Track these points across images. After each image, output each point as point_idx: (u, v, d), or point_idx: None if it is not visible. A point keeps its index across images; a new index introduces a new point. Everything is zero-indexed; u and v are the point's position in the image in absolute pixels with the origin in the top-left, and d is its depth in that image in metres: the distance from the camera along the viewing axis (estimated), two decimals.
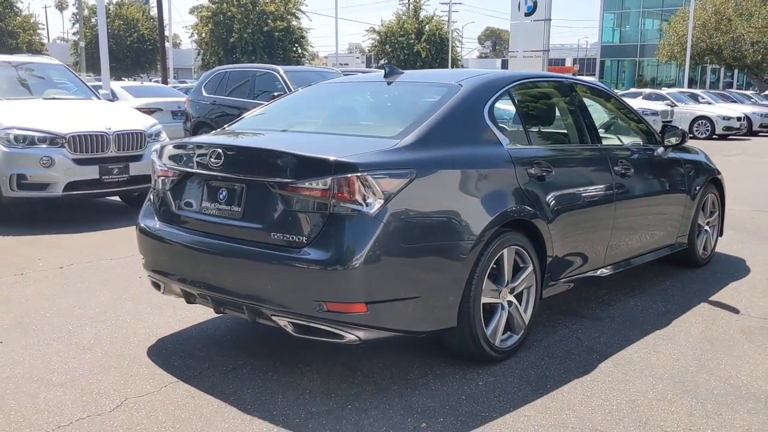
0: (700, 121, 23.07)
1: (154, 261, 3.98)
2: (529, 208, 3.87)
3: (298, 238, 3.29)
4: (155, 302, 4.81)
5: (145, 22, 52.29)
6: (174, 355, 3.96)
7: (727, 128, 22.63)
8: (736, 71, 51.23)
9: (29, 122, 7.60)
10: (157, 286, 4.03)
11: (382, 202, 3.23)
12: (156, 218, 3.99)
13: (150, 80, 40.63)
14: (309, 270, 3.23)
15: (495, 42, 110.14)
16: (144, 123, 8.39)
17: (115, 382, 3.59)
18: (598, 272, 4.63)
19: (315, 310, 3.26)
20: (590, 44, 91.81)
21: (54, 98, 8.80)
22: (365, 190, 3.22)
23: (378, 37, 51.52)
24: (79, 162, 7.55)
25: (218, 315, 4.21)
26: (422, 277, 3.40)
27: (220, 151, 3.57)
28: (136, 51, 51.66)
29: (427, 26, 50.89)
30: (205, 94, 13.18)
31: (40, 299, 4.97)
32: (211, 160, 3.59)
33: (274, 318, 3.41)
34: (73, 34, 50.82)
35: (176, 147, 3.97)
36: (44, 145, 7.46)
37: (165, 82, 29.62)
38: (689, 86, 37.60)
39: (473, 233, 3.52)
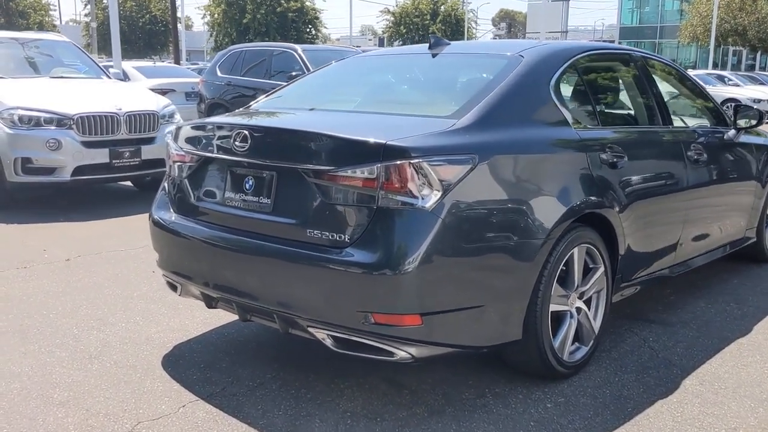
0: (728, 104, 22.24)
1: (169, 259, 3.48)
2: (602, 199, 3.34)
3: (339, 237, 2.78)
4: (170, 301, 4.33)
5: (157, 3, 51.66)
6: (192, 366, 3.47)
7: None
8: (759, 53, 50.07)
9: (35, 102, 7.12)
10: (173, 287, 3.54)
11: (439, 193, 2.71)
12: (172, 210, 3.49)
13: (163, 62, 40.15)
14: (352, 274, 2.72)
15: (510, 24, 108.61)
16: (157, 103, 7.89)
17: (125, 401, 3.10)
18: (668, 271, 4.09)
19: (360, 322, 2.75)
20: (606, 26, 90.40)
21: (62, 77, 8.31)
22: (420, 179, 2.70)
23: (392, 18, 50.78)
24: (88, 145, 7.07)
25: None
26: (486, 283, 2.88)
27: (246, 132, 3.06)
28: (148, 32, 51.11)
29: (442, 6, 50.10)
30: (219, 74, 12.66)
31: (43, 297, 4.49)
32: (236, 143, 3.08)
33: (310, 329, 2.91)
34: (85, 15, 50.29)
35: (194, 128, 3.45)
36: (51, 127, 6.98)
37: (177, 63, 29.09)
38: (713, 68, 36.70)
39: (543, 229, 3.00)
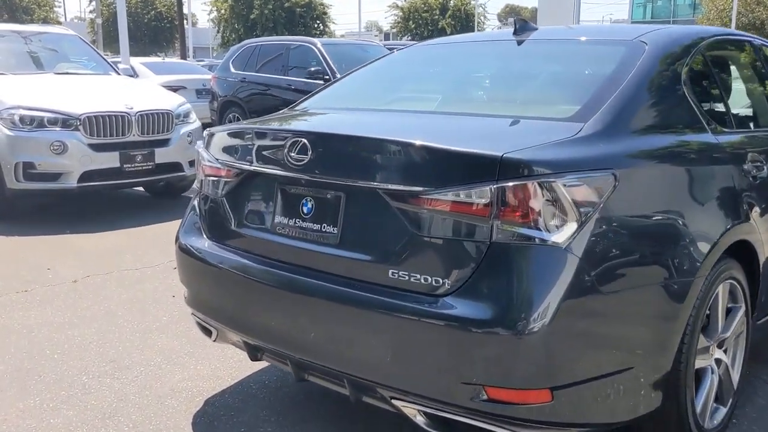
0: None
1: (202, 297, 2.80)
2: (749, 222, 2.65)
3: (436, 281, 2.09)
4: (195, 336, 3.65)
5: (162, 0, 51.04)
6: (231, 428, 2.79)
7: None
8: None
9: (38, 101, 6.45)
10: (206, 331, 2.86)
11: (575, 224, 2.02)
12: (204, 235, 2.81)
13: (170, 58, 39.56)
14: (456, 333, 2.03)
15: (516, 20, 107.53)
16: (171, 102, 7.20)
17: None
18: None
19: (467, 397, 2.05)
20: (613, 21, 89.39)
21: (67, 73, 7.65)
22: (550, 205, 2.00)
23: (401, 14, 49.95)
24: (96, 148, 6.39)
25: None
26: (635, 338, 2.19)
27: (304, 141, 2.37)
28: (153, 29, 50.49)
29: (451, 1, 49.22)
30: (233, 70, 12.00)
31: (47, 330, 3.82)
32: (291, 155, 2.39)
33: (395, 402, 2.22)
34: (90, 12, 49.76)
35: (234, 135, 2.76)
36: (55, 128, 6.31)
37: (184, 59, 28.45)
38: None
39: (694, 264, 2.31)
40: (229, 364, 3.37)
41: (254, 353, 2.64)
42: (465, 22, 49.36)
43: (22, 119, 6.23)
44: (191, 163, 7.13)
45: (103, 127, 6.41)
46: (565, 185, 2.01)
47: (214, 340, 2.84)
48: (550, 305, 1.97)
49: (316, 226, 2.39)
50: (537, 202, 1.99)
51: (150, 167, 6.76)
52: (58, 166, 6.28)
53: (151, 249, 5.47)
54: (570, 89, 2.74)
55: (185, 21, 37.90)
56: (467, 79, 3.25)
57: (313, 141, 2.36)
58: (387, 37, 60.82)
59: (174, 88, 11.85)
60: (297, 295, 2.38)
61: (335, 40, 14.22)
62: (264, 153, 2.57)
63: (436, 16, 48.24)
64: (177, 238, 2.95)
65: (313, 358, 2.37)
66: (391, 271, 2.18)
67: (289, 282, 2.41)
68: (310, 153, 2.35)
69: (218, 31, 44.25)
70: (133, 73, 9.12)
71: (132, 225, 6.33)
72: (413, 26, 48.53)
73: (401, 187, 2.15)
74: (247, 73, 11.72)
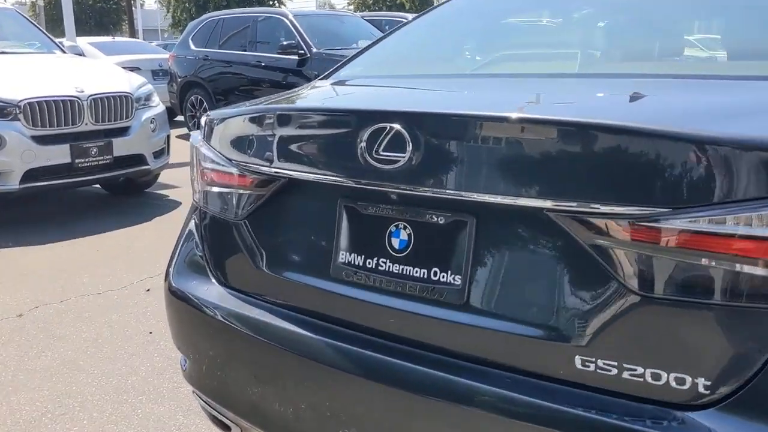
0: None
1: (212, 375, 1.79)
2: None
3: (689, 383, 1.13)
4: (184, 395, 2.65)
5: None
6: None
7: None
8: None
9: None
10: (221, 425, 1.86)
11: None
12: (212, 278, 1.81)
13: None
14: None
15: None
16: (129, 83, 6.09)
17: None
18: None
19: None
20: None
21: (3, 53, 6.44)
22: None
23: None
24: (41, 140, 5.28)
25: None
26: None
27: (398, 128, 1.37)
28: (98, 11, 48.28)
29: None
30: (193, 47, 10.83)
31: None
32: (371, 150, 1.40)
33: None
34: None
35: (255, 121, 1.73)
36: None
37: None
38: None
39: None
40: None
41: None
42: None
43: None
44: (156, 155, 6.06)
45: (49, 115, 5.29)
46: None
47: None
48: None
49: (420, 272, 1.41)
50: None
51: (107, 161, 5.66)
52: None
53: (114, 264, 4.41)
54: None
55: (133, 0, 36.10)
56: (607, 27, 2.21)
57: (416, 127, 1.36)
58: None
59: (127, 70, 10.67)
60: (386, 390, 1.40)
61: (308, 11, 13.06)
62: (314, 149, 1.57)
63: None
64: (167, 280, 1.93)
65: None
66: (581, 358, 1.21)
67: (371, 366, 1.43)
68: (409, 147, 1.36)
69: (168, 11, 42.35)
70: (81, 53, 7.97)
71: (89, 232, 5.23)
72: (371, 2, 47.21)
73: (614, 208, 1.17)
74: (209, 50, 10.57)
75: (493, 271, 1.34)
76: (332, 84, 2.11)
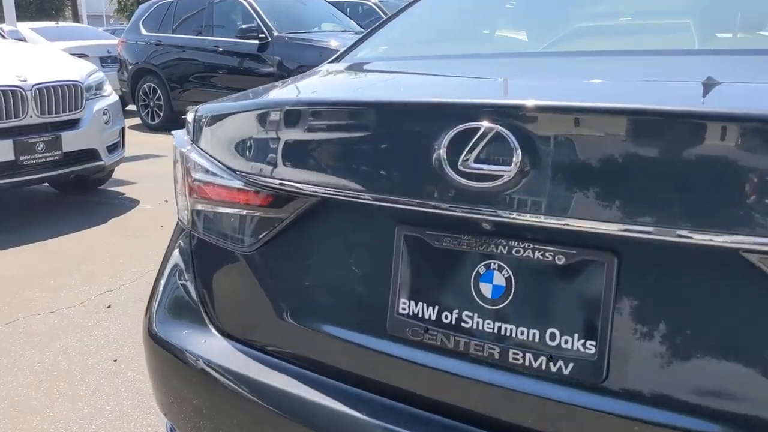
0: None
1: None
2: None
3: None
4: None
5: None
6: None
7: None
8: None
9: None
10: None
11: None
12: (210, 326, 1.37)
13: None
14: None
15: None
16: (78, 71, 5.50)
17: None
18: None
19: None
20: None
21: None
22: None
23: None
24: None
25: None
26: None
27: (499, 129, 0.95)
28: None
29: None
30: (144, 32, 10.21)
31: None
32: (457, 166, 0.98)
33: None
34: None
35: (263, 119, 1.28)
36: None
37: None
38: None
39: None
40: None
41: None
42: None
43: None
44: (110, 149, 5.51)
45: None
46: None
47: None
48: None
49: (528, 333, 0.99)
50: None
51: (56, 158, 5.08)
52: None
53: (68, 275, 3.89)
54: None
55: None
56: None
57: (531, 127, 0.94)
58: None
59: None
60: None
61: None
62: (359, 157, 1.14)
63: None
64: (150, 325, 1.48)
65: None
66: None
67: None
68: (517, 158, 0.94)
69: None
70: (22, 39, 7.33)
71: (38, 238, 4.68)
72: None
73: None
74: (162, 35, 9.97)
75: (647, 336, 0.93)
76: (357, 68, 1.67)
